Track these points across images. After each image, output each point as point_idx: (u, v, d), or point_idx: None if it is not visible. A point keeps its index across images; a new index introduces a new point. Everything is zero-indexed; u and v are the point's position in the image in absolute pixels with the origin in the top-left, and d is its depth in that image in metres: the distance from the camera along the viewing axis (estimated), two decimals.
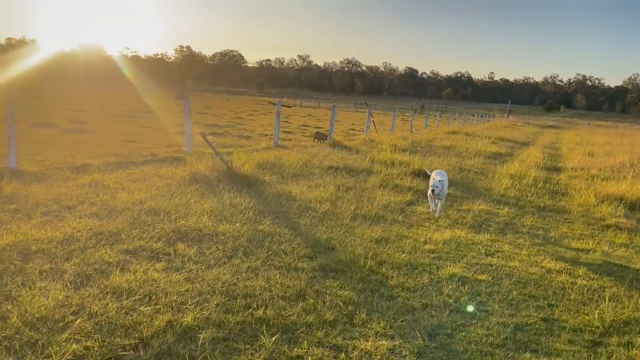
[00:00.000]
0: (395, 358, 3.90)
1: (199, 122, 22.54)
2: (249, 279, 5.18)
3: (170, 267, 5.30)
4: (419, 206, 9.09)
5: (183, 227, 6.57)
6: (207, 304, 4.53)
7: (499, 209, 9.44)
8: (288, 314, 4.49)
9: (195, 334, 4.05)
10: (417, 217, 8.35)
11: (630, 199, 10.20)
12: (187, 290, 4.79)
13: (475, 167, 14.68)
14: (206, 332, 4.08)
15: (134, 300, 4.45)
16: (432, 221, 8.17)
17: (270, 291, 4.93)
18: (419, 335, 4.27)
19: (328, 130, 19.87)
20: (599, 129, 57.60)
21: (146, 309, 4.32)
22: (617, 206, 9.79)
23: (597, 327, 4.56)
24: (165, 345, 3.85)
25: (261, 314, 4.45)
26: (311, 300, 4.80)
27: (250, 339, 4.08)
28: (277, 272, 5.44)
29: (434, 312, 4.76)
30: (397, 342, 4.13)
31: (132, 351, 3.72)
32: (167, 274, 5.12)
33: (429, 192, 8.08)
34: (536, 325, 4.58)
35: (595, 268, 6.21)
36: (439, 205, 8.28)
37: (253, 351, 3.89)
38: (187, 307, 4.44)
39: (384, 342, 4.11)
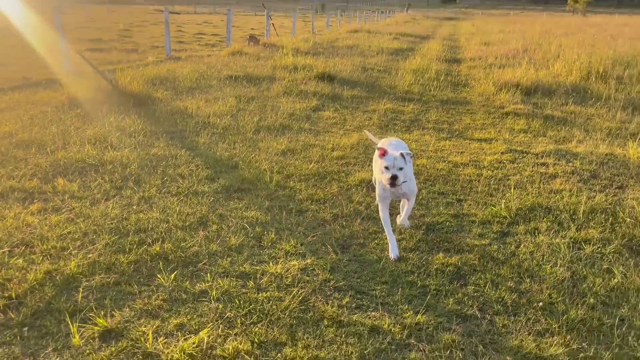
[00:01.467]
0: (307, 278, 3.65)
1: (81, 37, 20.25)
2: (141, 211, 4.65)
3: (47, 208, 4.63)
4: (325, 111, 8.72)
5: (62, 160, 5.79)
6: (93, 246, 3.99)
7: (404, 106, 9.30)
8: (188, 245, 4.07)
9: (80, 283, 3.54)
10: (323, 123, 7.99)
11: (525, 84, 10.43)
12: (69, 233, 4.19)
13: (378, 65, 14.40)
14: (93, 279, 3.58)
15: (3, 253, 3.81)
16: (340, 126, 7.86)
17: (167, 222, 4.45)
18: (330, 249, 4.03)
19: (262, 34, 18.74)
20: (492, 18, 59.09)
21: (18, 261, 3.72)
22: (514, 93, 9.98)
23: (505, 218, 4.56)
24: (43, 301, 3.32)
25: (158, 249, 3.99)
26: (214, 227, 4.39)
27: (146, 279, 3.64)
28: (175, 199, 4.93)
29: (345, 222, 4.53)
30: (308, 260, 3.87)
31: (0, 314, 3.17)
32: (44, 216, 4.46)
33: (380, 182, 4.07)
34: (447, 223, 4.50)
35: (498, 157, 6.25)
36: (404, 207, 4.33)
37: (150, 293, 3.47)
38: (69, 253, 3.88)
39: (294, 262, 3.84)
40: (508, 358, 2.79)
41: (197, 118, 7.79)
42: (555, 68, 12.25)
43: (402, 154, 3.84)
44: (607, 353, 2.84)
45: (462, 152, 6.50)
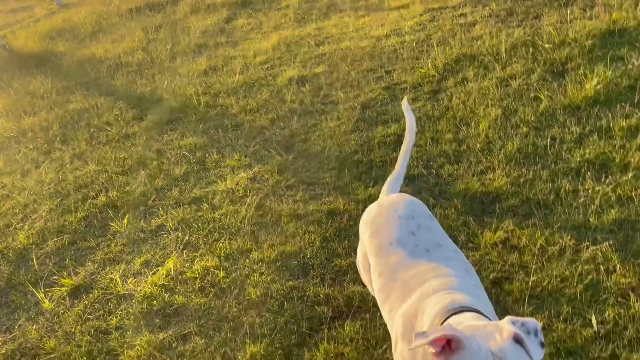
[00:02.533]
0: (258, 185, 3.69)
1: None
2: (77, 169, 4.52)
3: None
4: (238, 20, 8.36)
5: None
6: (37, 215, 3.91)
7: None
8: (133, 188, 4.03)
9: (35, 252, 3.50)
10: (239, 32, 7.69)
11: None
12: (8, 209, 4.07)
13: None
14: (46, 245, 3.55)
15: None
16: (257, 30, 7.59)
17: (106, 172, 4.36)
18: (274, 153, 4.06)
19: None
20: None
21: None
22: None
23: (434, 76, 4.63)
24: (2, 279, 3.29)
25: (104, 199, 3.94)
26: (154, 164, 4.32)
27: (100, 231, 3.63)
28: (107, 148, 4.79)
29: (282, 124, 4.52)
30: (255, 169, 3.90)
31: None
32: None
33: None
34: (380, 97, 4.54)
35: (418, 20, 6.21)
36: None
37: (108, 242, 3.47)
38: (14, 228, 3.80)
39: (242, 174, 3.86)
40: None
41: (107, 61, 7.38)
42: None
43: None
44: (544, 171, 3.05)
45: (382, 25, 6.43)
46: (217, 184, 3.83)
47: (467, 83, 4.35)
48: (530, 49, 4.57)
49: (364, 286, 2.59)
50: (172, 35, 8.08)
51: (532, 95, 3.88)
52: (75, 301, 2.99)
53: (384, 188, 2.37)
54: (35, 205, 4.06)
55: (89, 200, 3.96)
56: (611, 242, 2.41)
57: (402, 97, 4.38)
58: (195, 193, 3.79)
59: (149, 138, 4.82)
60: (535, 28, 5.01)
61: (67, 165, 4.60)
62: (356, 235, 2.91)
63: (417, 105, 4.23)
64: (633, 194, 2.70)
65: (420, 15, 6.36)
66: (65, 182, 4.33)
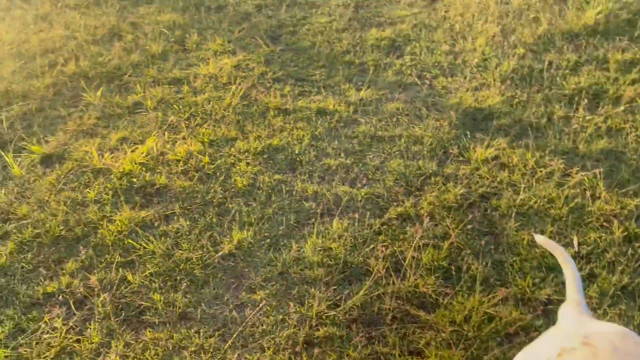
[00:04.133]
0: (243, 74, 3.51)
1: None
2: (42, 31, 4.14)
3: None
4: None
5: None
6: None
7: None
8: (107, 59, 3.74)
9: None
10: None
11: None
12: None
13: None
14: (12, 109, 3.30)
15: None
16: None
17: (75, 38, 4.01)
18: (261, 42, 3.83)
19: None
20: None
21: None
22: None
23: None
24: None
25: (74, 68, 3.66)
26: (129, 37, 4.01)
27: (70, 100, 3.39)
28: (75, 13, 4.39)
29: (270, 12, 4.25)
30: (240, 57, 3.69)
31: None
32: None
33: None
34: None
35: None
36: None
37: (80, 113, 3.26)
38: None
39: (226, 60, 3.65)
40: None
41: None
42: None
43: None
44: (538, 95, 3.04)
45: None
46: (199, 67, 3.61)
47: None
48: None
49: (353, 187, 2.58)
50: None
51: (531, 15, 3.79)
52: (47, 170, 2.84)
53: (568, 310, 1.43)
54: None
55: (58, 67, 3.66)
56: (599, 169, 2.47)
57: (399, 1, 4.18)
58: (174, 74, 3.57)
59: (122, 8, 4.44)
60: None
61: (31, 26, 4.20)
62: (348, 137, 2.86)
63: (413, 12, 4.06)
64: (623, 126, 2.75)
65: None
66: (28, 44, 3.97)
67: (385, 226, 2.36)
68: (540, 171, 2.53)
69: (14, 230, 2.47)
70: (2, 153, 2.91)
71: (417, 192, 2.51)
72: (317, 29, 3.96)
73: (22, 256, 2.35)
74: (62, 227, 2.46)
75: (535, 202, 2.38)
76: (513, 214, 2.34)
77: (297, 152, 2.84)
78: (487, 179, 2.54)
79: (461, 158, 2.68)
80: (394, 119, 3.00)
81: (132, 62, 3.70)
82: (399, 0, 4.26)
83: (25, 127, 3.16)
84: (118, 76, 3.58)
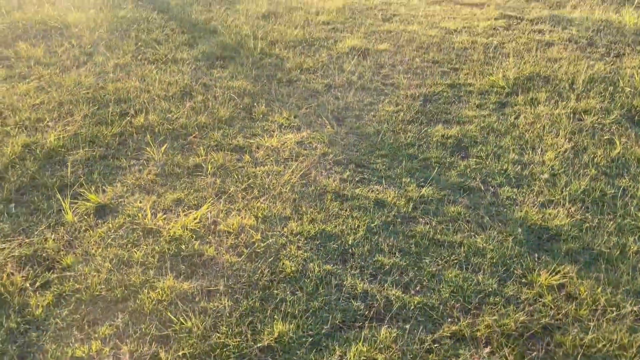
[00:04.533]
0: (305, 151, 3.48)
1: None
2: (118, 80, 4.28)
3: (13, 75, 4.20)
4: None
5: (20, 21, 5.19)
6: (71, 118, 3.69)
7: None
8: (175, 116, 3.80)
9: (63, 156, 3.30)
10: None
11: None
12: (42, 102, 3.84)
13: None
14: (77, 153, 3.34)
15: None
16: None
17: (148, 92, 4.12)
18: (326, 121, 3.83)
19: None
20: None
21: None
22: None
23: (503, 88, 4.38)
24: (26, 176, 3.09)
25: (142, 120, 3.72)
26: (200, 97, 4.09)
27: (134, 152, 3.42)
28: (153, 67, 4.54)
29: (338, 93, 4.28)
30: (304, 133, 3.68)
31: None
32: (11, 84, 4.06)
33: None
34: (444, 94, 4.30)
35: (492, 23, 5.91)
36: None
37: (140, 167, 3.27)
38: (46, 125, 3.58)
39: (290, 135, 3.65)
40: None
41: None
42: None
43: None
44: (611, 223, 2.86)
45: (454, 18, 6.12)
46: (263, 138, 3.61)
47: (538, 105, 4.11)
48: (610, 88, 4.33)
49: (406, 292, 2.43)
50: None
51: (605, 137, 3.67)
52: (100, 221, 2.81)
53: None
54: (70, 107, 3.83)
55: (127, 118, 3.73)
56: None
57: (468, 100, 4.15)
58: (238, 141, 3.57)
59: (197, 68, 4.57)
60: (616, 66, 4.75)
61: (109, 74, 4.35)
62: (405, 235, 2.73)
63: (482, 114, 4.00)
64: None
65: (495, 19, 6.06)
66: (104, 90, 4.09)
67: (437, 345, 2.17)
68: (612, 311, 2.32)
69: (56, 281, 2.41)
70: (60, 197, 2.91)
71: (474, 311, 2.33)
72: (382, 116, 3.95)
73: (58, 311, 2.27)
74: (103, 286, 2.38)
75: (605, 346, 2.17)
76: (579, 356, 2.13)
77: (350, 242, 2.72)
78: (552, 308, 2.35)
79: (524, 280, 2.50)
80: (455, 224, 2.87)
81: (198, 123, 3.74)
82: (468, 99, 4.23)
83: (86, 173, 3.18)
84: (183, 135, 3.62)
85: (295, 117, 3.90)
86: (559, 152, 3.50)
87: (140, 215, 2.83)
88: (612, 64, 4.81)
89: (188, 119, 3.79)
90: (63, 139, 3.44)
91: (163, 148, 3.42)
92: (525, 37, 5.50)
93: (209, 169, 3.26)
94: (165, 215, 2.85)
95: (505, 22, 5.94)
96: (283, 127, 3.78)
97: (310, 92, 4.30)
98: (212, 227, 2.78)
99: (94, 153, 3.36)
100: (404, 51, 5.11)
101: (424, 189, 3.13)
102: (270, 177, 3.21)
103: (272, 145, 3.53)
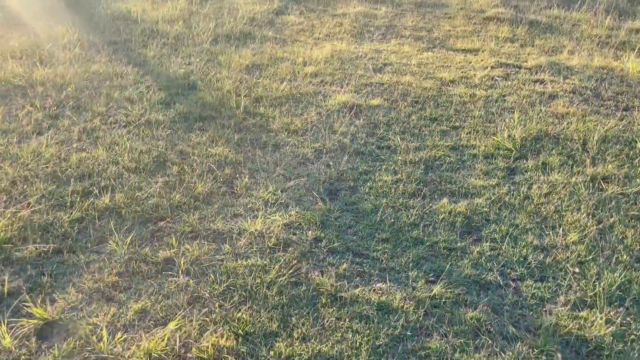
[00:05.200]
0: (294, 237, 2.99)
1: None
2: (84, 149, 3.78)
3: None
4: (289, 15, 7.62)
5: None
6: (25, 201, 3.17)
7: (376, 9, 8.27)
8: (145, 195, 3.30)
9: (9, 253, 2.77)
10: (289, 30, 6.97)
11: None
12: None
13: None
14: (26, 248, 2.81)
15: None
16: (308, 33, 6.87)
17: (117, 163, 3.62)
18: (317, 196, 3.36)
19: None
20: None
21: None
22: None
23: (510, 150, 3.95)
24: None
25: (107, 201, 3.21)
26: (175, 169, 3.60)
27: (95, 244, 2.90)
28: (124, 131, 4.06)
29: (330, 160, 3.82)
30: (293, 212, 3.19)
31: None
32: None
33: None
34: (446, 159, 3.86)
35: (489, 72, 5.54)
36: None
37: (101, 264, 2.75)
38: None
39: (277, 216, 3.16)
40: (559, 355, 2.28)
41: (143, 24, 6.61)
42: None
43: None
44: None
45: (448, 67, 5.75)
46: (246, 220, 3.12)
47: (551, 171, 3.68)
48: (625, 149, 3.93)
49: None
50: (217, 13, 7.33)
51: (632, 212, 3.23)
52: (44, 345, 2.27)
53: None
54: (25, 186, 3.31)
55: (91, 199, 3.22)
56: None
57: (472, 166, 3.71)
58: (217, 225, 3.07)
59: (173, 132, 4.09)
60: (628, 122, 4.36)
61: (74, 143, 3.85)
62: (418, 356, 2.23)
63: (490, 184, 3.55)
64: None
65: (492, 68, 5.69)
66: (66, 163, 3.59)
67: None
68: None
69: None
70: None
71: None
72: (380, 188, 3.48)
73: None
74: None
75: None
76: None
77: None
78: None
79: None
80: (475, 339, 2.37)
81: (172, 203, 3.24)
82: (473, 165, 3.79)
83: (34, 276, 2.65)
84: (154, 219, 3.11)
85: (282, 192, 3.42)
86: (583, 233, 3.05)
87: (94, 338, 2.30)
88: (622, 119, 4.42)
89: (160, 197, 3.29)
90: (11, 230, 2.92)
91: (129, 238, 2.90)
92: (526, 88, 5.12)
93: (182, 265, 2.75)
94: (125, 336, 2.32)
95: (503, 71, 5.57)
96: (269, 204, 3.29)
97: (299, 159, 3.83)
98: (182, 352, 2.26)
99: (47, 247, 2.84)
100: (398, 107, 4.68)
101: (435, 286, 2.64)
102: (253, 274, 2.70)
103: (257, 230, 3.03)
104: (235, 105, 4.51)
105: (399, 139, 4.12)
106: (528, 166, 3.76)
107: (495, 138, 4.11)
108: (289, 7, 8.11)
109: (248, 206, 3.28)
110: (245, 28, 6.76)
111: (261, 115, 4.44)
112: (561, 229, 3.09)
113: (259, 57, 5.73)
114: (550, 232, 3.06)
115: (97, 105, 4.43)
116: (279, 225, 3.07)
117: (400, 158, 3.85)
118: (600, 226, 3.11)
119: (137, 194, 3.31)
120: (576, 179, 3.56)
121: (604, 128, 4.19)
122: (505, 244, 2.98)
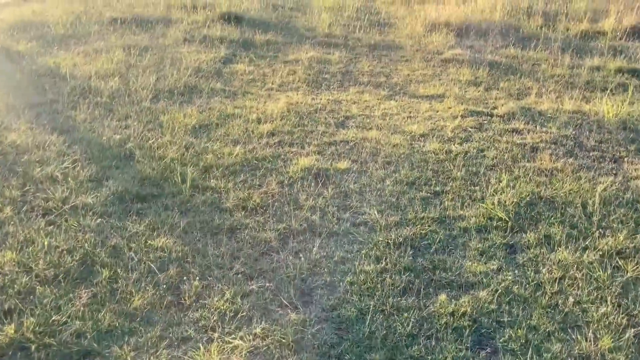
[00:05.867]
0: None
1: None
2: None
3: None
4: (238, 64, 7.00)
5: None
6: None
7: (330, 54, 7.79)
8: (64, 318, 2.52)
9: None
10: (239, 80, 6.33)
11: (456, 23, 9.26)
12: None
13: (288, 1, 12.55)
14: None
15: None
16: (260, 84, 6.25)
17: (29, 272, 2.82)
18: (287, 303, 2.66)
19: None
20: None
21: None
22: (447, 34, 8.77)
23: (504, 221, 3.41)
24: None
25: (12, 332, 2.41)
26: (105, 273, 2.84)
27: None
28: (42, 222, 3.25)
29: (298, 245, 3.14)
30: (258, 330, 2.48)
31: None
32: None
33: None
34: (434, 236, 3.26)
35: (460, 122, 5.06)
36: None
37: None
38: None
39: (239, 340, 2.44)
40: None
41: (73, 81, 5.81)
42: (478, 3, 11.19)
43: None
44: None
45: (415, 117, 5.25)
46: (197, 347, 2.39)
47: (556, 247, 3.14)
48: (630, 212, 3.45)
49: None
50: (158, 65, 6.62)
51: None
52: None
53: None
54: None
55: None
56: None
57: (465, 245, 3.12)
58: (160, 359, 2.33)
59: (105, 221, 3.32)
60: (622, 178, 3.93)
61: None
62: None
63: (491, 268, 2.97)
64: None
65: (462, 116, 5.23)
66: None
67: None
68: None
69: None
70: None
71: None
72: (363, 283, 2.83)
73: None
74: None
75: None
76: None
77: None
78: None
79: None
80: None
81: (99, 330, 2.47)
82: (466, 243, 3.20)
83: None
84: (74, 356, 2.33)
85: (242, 298, 2.71)
86: (616, 335, 2.48)
87: None
88: (616, 175, 3.99)
89: (85, 320, 2.51)
90: None
91: None
92: (503, 140, 4.65)
93: None
94: None
95: (474, 121, 5.11)
96: (226, 319, 2.57)
97: (261, 247, 3.14)
98: None
99: None
100: (369, 170, 4.09)
101: None
102: None
103: None
104: (181, 180, 3.79)
105: (375, 212, 3.51)
106: (529, 241, 3.21)
107: (484, 205, 3.56)
108: (237, 54, 7.51)
109: (200, 323, 2.55)
110: (190, 80, 6.08)
111: (212, 190, 3.74)
112: (590, 330, 2.51)
113: (206, 115, 5.05)
114: (577, 335, 2.48)
115: (10, 189, 3.61)
116: (243, 355, 2.35)
117: (381, 239, 3.22)
118: (632, 323, 2.56)
119: (52, 317, 2.52)
120: (588, 256, 3.03)
121: (600, 187, 3.72)
122: (527, 357, 2.37)
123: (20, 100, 5.19)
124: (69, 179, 3.77)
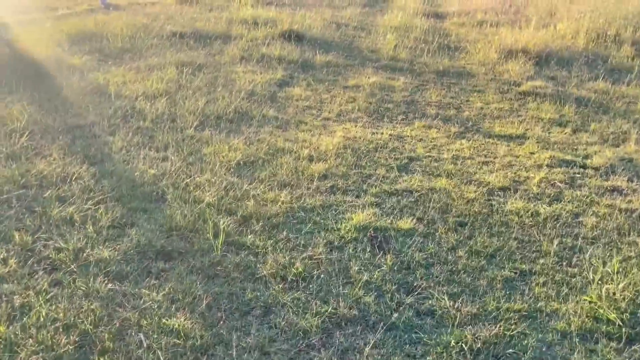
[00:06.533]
0: None
1: None
2: None
3: None
4: (294, 87, 6.41)
5: None
6: None
7: (394, 79, 7.06)
8: None
9: None
10: (293, 106, 5.72)
11: (535, 50, 8.31)
12: None
13: (352, 20, 11.93)
14: None
15: None
16: (315, 112, 5.62)
17: (19, 351, 2.26)
18: None
19: None
20: None
21: None
22: (525, 62, 7.84)
23: (616, 326, 2.57)
24: None
25: None
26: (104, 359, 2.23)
27: None
28: (45, 283, 2.71)
29: (346, 342, 2.44)
30: None
31: None
32: None
33: None
34: (523, 343, 2.47)
35: (547, 174, 4.21)
36: None
37: None
38: None
39: None
40: None
41: (118, 102, 5.38)
42: (559, 28, 10.13)
43: None
44: None
45: (491, 163, 4.44)
46: None
47: None
48: None
49: None
50: (210, 86, 6.12)
51: None
52: None
53: None
54: None
55: None
56: None
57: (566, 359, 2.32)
58: None
59: (118, 285, 2.74)
60: None
61: None
62: None
63: None
64: None
65: (548, 166, 4.37)
66: None
67: None
68: None
69: None
70: None
71: None
72: None
73: None
74: None
75: None
76: None
77: None
78: None
79: None
80: None
81: None
82: (566, 357, 2.39)
83: None
84: None
85: None
86: None
87: None
88: None
89: None
90: None
91: None
92: (603, 203, 3.77)
93: None
94: None
95: (564, 173, 4.24)
96: None
97: (299, 341, 2.46)
98: None
99: None
100: (438, 232, 3.34)
101: None
102: None
103: None
104: (213, 234, 3.18)
105: (446, 297, 2.75)
106: None
107: (587, 298, 2.73)
108: (295, 76, 6.93)
109: None
110: (241, 105, 5.53)
111: (248, 249, 3.10)
112: None
113: (254, 149, 4.45)
114: None
115: (22, 233, 3.11)
116: None
117: (453, 340, 2.46)
118: None
119: None
120: None
121: None
122: None
123: (59, 121, 4.79)
124: (89, 224, 3.24)
